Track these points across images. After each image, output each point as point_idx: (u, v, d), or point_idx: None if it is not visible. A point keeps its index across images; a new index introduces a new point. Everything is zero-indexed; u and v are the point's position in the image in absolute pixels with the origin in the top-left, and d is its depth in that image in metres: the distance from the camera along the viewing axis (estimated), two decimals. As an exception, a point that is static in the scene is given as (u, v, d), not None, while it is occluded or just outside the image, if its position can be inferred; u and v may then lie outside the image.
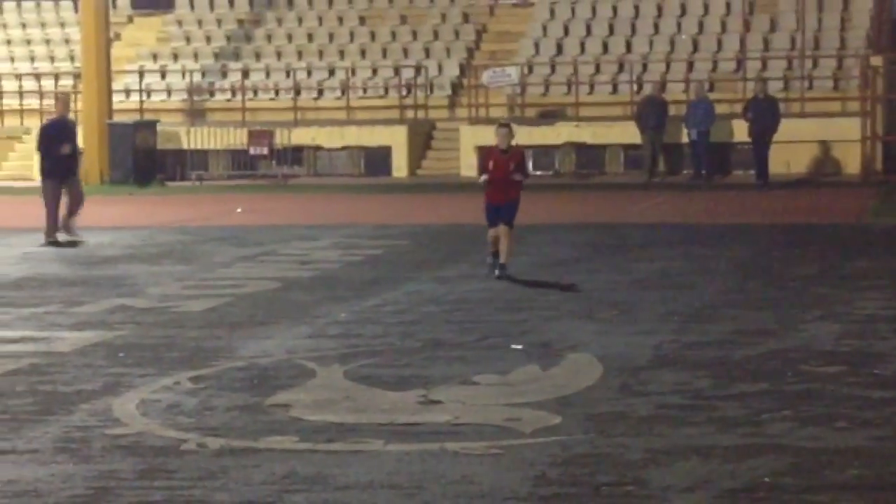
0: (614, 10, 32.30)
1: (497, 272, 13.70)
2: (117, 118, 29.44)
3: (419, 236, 18.38)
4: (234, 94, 31.90)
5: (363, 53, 32.76)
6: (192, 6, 35.36)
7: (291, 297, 13.10)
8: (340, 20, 34.05)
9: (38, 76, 32.92)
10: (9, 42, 35.37)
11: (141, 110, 31.04)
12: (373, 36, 33.27)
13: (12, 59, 34.71)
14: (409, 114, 30.74)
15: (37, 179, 30.00)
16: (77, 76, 31.58)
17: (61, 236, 17.85)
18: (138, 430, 7.85)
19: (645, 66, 30.34)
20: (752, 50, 30.25)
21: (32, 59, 34.65)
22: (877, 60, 28.23)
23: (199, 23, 34.81)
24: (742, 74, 29.22)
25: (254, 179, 29.08)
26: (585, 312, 11.88)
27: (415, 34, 33.13)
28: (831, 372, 9.18)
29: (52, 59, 34.65)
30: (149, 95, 31.95)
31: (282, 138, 29.27)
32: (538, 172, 28.37)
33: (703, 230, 18.60)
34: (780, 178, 26.57)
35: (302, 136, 29.71)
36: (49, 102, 32.50)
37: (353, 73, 31.73)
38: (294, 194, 26.39)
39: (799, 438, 7.40)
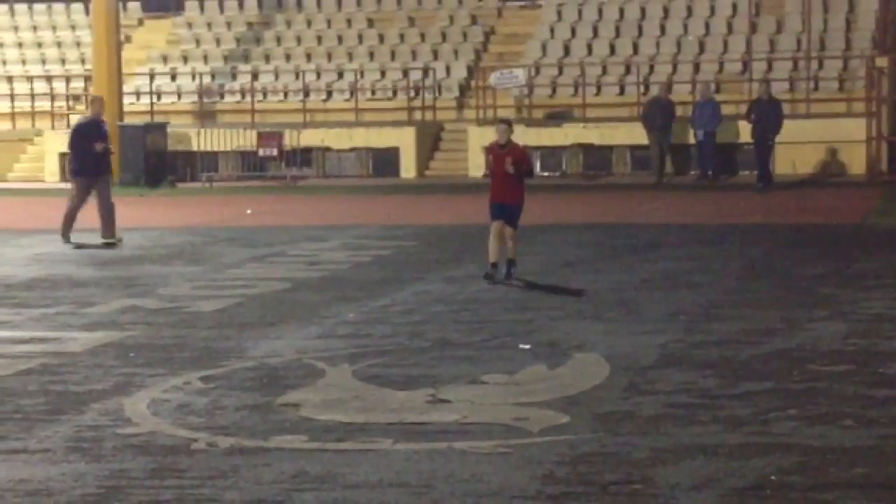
0: (621, 11, 32.33)
1: (506, 270, 13.57)
2: (128, 120, 29.53)
3: (427, 237, 18.39)
4: (243, 95, 31.99)
5: (372, 55, 32.81)
6: (201, 9, 35.45)
7: (301, 297, 13.12)
8: (349, 22, 34.10)
9: (49, 78, 33.04)
10: (20, 45, 35.51)
11: (151, 112, 31.14)
12: (381, 38, 33.32)
13: (24, 62, 34.85)
14: (418, 115, 30.78)
15: (49, 181, 30.29)
16: (88, 78, 31.69)
17: (74, 238, 17.88)
18: (149, 429, 7.87)
19: (651, 68, 30.37)
20: (758, 51, 30.26)
21: (44, 62, 34.78)
22: (882, 61, 28.22)
23: (209, 25, 34.90)
24: (748, 76, 29.24)
25: (263, 181, 29.12)
26: (592, 312, 11.89)
27: (423, 36, 33.18)
28: (837, 371, 9.19)
29: (64, 61, 34.77)
30: (159, 97, 32.04)
31: (291, 140, 29.32)
32: (545, 173, 28.43)
33: (709, 230, 18.59)
34: (785, 178, 26.57)
35: (311, 138, 29.76)
36: (59, 104, 32.68)
37: (362, 74, 31.79)
38: (303, 195, 26.42)
39: (805, 437, 7.42)
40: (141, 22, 35.77)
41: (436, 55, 32.46)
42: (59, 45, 35.44)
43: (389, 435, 7.62)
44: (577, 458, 7.07)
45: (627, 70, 30.42)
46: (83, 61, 33.86)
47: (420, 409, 8.27)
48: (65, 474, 6.92)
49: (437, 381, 9.02)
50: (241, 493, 6.53)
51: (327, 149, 29.98)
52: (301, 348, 10.36)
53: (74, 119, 32.52)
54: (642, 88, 29.38)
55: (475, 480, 6.69)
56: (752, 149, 26.72)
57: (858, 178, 26.36)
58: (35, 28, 36.21)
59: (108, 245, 17.60)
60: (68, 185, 18.96)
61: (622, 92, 30.18)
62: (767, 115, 25.19)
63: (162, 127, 29.33)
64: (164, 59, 33.76)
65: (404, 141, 29.65)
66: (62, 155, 30.60)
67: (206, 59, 33.53)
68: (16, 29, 36.21)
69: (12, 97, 32.49)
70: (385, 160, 29.69)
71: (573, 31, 32.15)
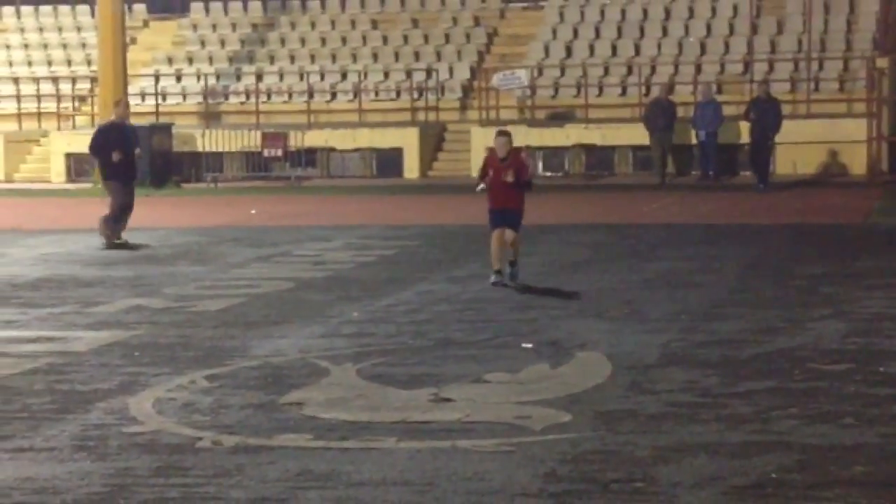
0: (623, 13, 32.38)
1: (510, 271, 13.44)
2: (133, 121, 29.56)
3: (431, 237, 18.42)
4: (247, 97, 32.06)
5: (375, 57, 32.86)
6: (206, 10, 35.53)
7: (305, 296, 13.13)
8: (353, 24, 34.16)
9: (55, 80, 33.12)
10: (27, 46, 35.60)
11: (157, 113, 31.22)
12: (385, 39, 33.38)
13: (30, 63, 34.95)
14: (421, 116, 30.83)
15: (55, 182, 30.37)
16: (94, 80, 31.75)
17: (105, 238, 17.71)
18: (154, 428, 7.88)
19: (653, 69, 30.41)
20: (759, 52, 30.32)
21: (50, 63, 34.88)
22: (882, 62, 28.28)
23: (214, 27, 34.98)
24: (749, 76, 29.28)
25: (268, 181, 29.18)
26: (594, 311, 11.90)
27: (426, 38, 33.23)
28: (838, 370, 9.19)
29: (70, 62, 34.86)
30: (164, 99, 32.12)
31: (295, 140, 29.38)
32: (548, 174, 28.49)
33: (711, 230, 18.62)
34: (786, 178, 26.62)
35: (315, 139, 29.81)
36: (65, 106, 32.76)
37: (366, 76, 31.84)
38: (307, 196, 26.45)
39: (806, 435, 7.42)
40: (146, 23, 35.85)
41: (439, 56, 32.50)
42: (64, 46, 35.52)
43: (393, 433, 7.63)
44: (580, 456, 7.07)
45: (629, 71, 30.46)
46: (89, 63, 33.94)
47: (423, 408, 8.27)
48: (71, 473, 6.93)
49: (440, 380, 9.03)
50: (245, 492, 6.54)
51: (331, 149, 30.04)
52: (305, 347, 10.38)
53: (80, 120, 32.71)
54: (644, 89, 29.42)
55: (478, 479, 6.70)
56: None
57: (859, 179, 26.40)
58: (41, 29, 36.31)
59: (110, 246, 17.50)
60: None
61: (624, 93, 30.24)
62: (766, 115, 25.19)
63: (167, 128, 29.39)
64: (170, 60, 33.84)
65: (408, 141, 29.70)
66: (68, 156, 30.74)
67: (210, 60, 33.60)
68: (22, 30, 36.31)
69: (18, 98, 32.59)
70: (389, 161, 29.75)
71: (575, 33, 32.20)
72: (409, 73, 31.58)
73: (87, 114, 32.92)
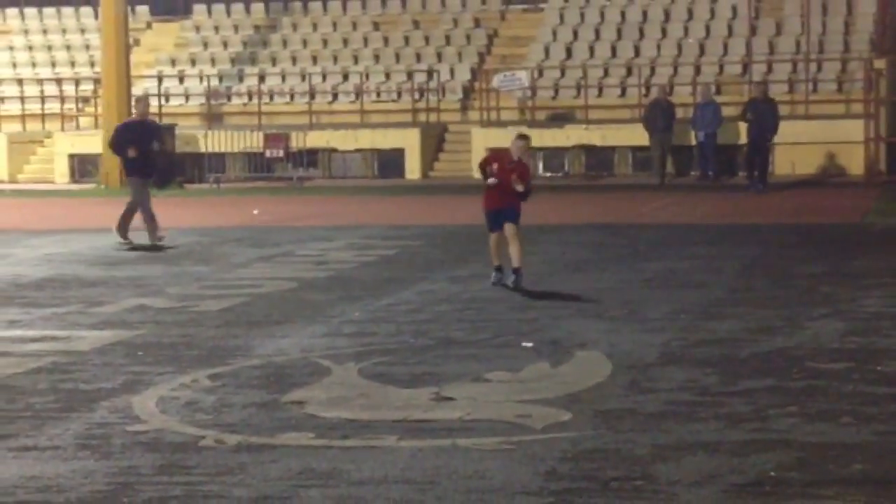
0: (622, 14, 32.44)
1: (513, 278, 13.20)
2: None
3: (432, 237, 18.45)
4: (250, 98, 32.11)
5: (377, 58, 32.92)
6: (209, 12, 35.61)
7: (307, 296, 13.16)
8: (354, 25, 34.22)
9: (58, 81, 33.21)
10: (30, 48, 35.69)
11: (160, 114, 31.26)
12: (386, 41, 33.44)
13: (34, 65, 35.04)
14: (422, 117, 30.88)
15: (59, 182, 30.45)
16: (97, 81, 31.84)
17: (121, 236, 17.77)
18: (157, 426, 7.89)
19: (653, 70, 30.46)
20: (758, 53, 30.38)
21: (53, 65, 34.96)
22: (880, 63, 28.35)
23: (216, 29, 35.05)
24: (748, 77, 29.34)
25: (270, 181, 29.23)
26: (594, 311, 11.91)
27: (427, 39, 33.29)
28: (836, 368, 9.20)
29: (73, 64, 34.95)
30: (167, 100, 32.19)
31: (297, 141, 29.44)
32: (548, 174, 28.54)
33: (710, 230, 18.64)
34: (785, 179, 26.66)
35: (317, 139, 29.87)
36: (69, 107, 32.84)
37: (367, 77, 31.90)
38: (309, 196, 26.49)
39: (804, 434, 7.44)
40: (149, 25, 35.93)
41: (440, 57, 32.56)
42: (68, 48, 35.61)
43: (394, 432, 7.64)
44: (580, 454, 7.09)
45: (629, 72, 30.52)
46: (92, 64, 34.02)
47: (424, 407, 8.28)
48: (75, 471, 6.95)
49: (441, 379, 9.04)
50: (248, 490, 6.55)
51: (333, 150, 30.10)
52: (307, 347, 10.39)
53: (83, 121, 32.80)
54: (643, 90, 29.48)
55: (479, 477, 6.71)
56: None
57: (857, 179, 26.44)
58: (45, 31, 36.40)
59: (157, 245, 17.50)
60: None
61: (624, 94, 30.30)
62: (764, 116, 25.17)
63: (170, 129, 29.44)
64: (173, 61, 33.91)
65: (409, 142, 29.75)
66: (71, 156, 30.83)
67: (213, 61, 33.67)
68: (26, 32, 36.40)
69: (22, 99, 32.68)
70: (390, 161, 29.81)
71: (575, 34, 32.25)
72: (410, 75, 31.63)
73: (90, 115, 33.01)
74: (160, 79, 32.55)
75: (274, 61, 33.49)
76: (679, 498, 6.31)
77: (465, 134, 29.92)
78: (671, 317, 11.52)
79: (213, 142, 29.70)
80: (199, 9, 35.84)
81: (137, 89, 31.55)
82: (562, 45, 31.91)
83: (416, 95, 31.14)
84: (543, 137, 28.89)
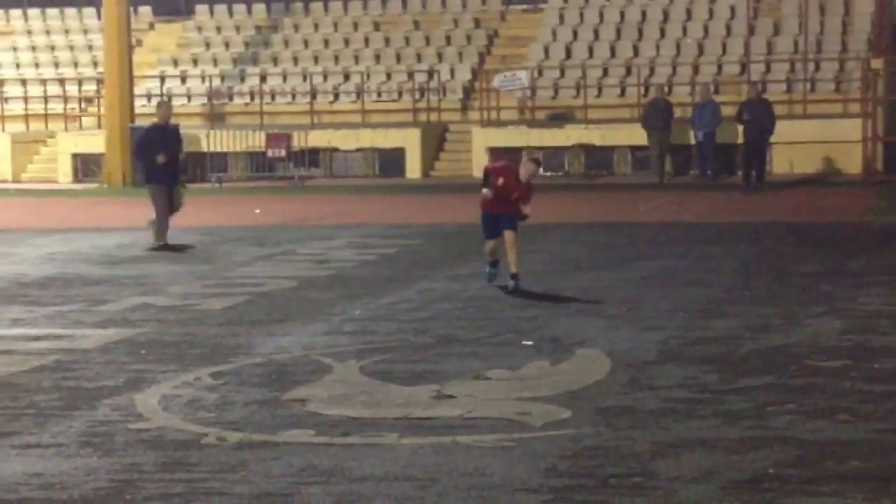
0: (622, 15, 32.48)
1: (512, 284, 12.99)
2: (139, 122, 29.69)
3: (432, 236, 18.47)
4: (252, 98, 32.16)
5: (377, 58, 32.95)
6: (211, 13, 35.66)
7: (308, 295, 13.18)
8: (355, 26, 34.26)
9: (62, 81, 33.26)
10: (34, 48, 35.75)
11: (163, 114, 31.31)
12: (387, 41, 33.47)
13: (37, 65, 35.10)
14: (423, 117, 30.92)
15: (62, 182, 30.50)
16: (100, 81, 31.90)
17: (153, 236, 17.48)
18: (160, 424, 7.93)
19: (652, 70, 30.50)
20: (756, 53, 30.41)
21: (57, 65, 35.02)
22: (877, 63, 28.40)
23: (218, 29, 35.10)
24: (746, 77, 29.36)
25: (272, 181, 29.27)
26: (594, 309, 11.94)
27: (428, 39, 33.32)
28: (834, 366, 9.23)
29: (76, 64, 35.00)
30: (170, 100, 32.20)
31: (298, 141, 29.47)
32: (548, 174, 28.57)
33: (708, 229, 18.66)
34: (783, 178, 26.68)
35: (318, 139, 29.91)
36: (72, 107, 32.90)
37: (368, 77, 31.93)
38: (310, 195, 26.50)
39: (802, 431, 7.47)
40: (151, 26, 35.99)
41: (440, 58, 32.60)
42: (71, 48, 35.67)
43: (395, 429, 7.67)
44: (579, 451, 7.12)
45: (628, 72, 30.56)
46: (95, 64, 34.08)
47: (425, 404, 8.32)
48: (77, 468, 6.99)
49: (441, 377, 9.08)
50: (250, 487, 6.59)
51: (334, 149, 30.14)
52: (309, 345, 10.43)
53: (86, 121, 32.86)
54: (643, 90, 29.51)
55: (479, 474, 6.75)
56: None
57: (854, 178, 26.44)
58: (48, 32, 36.46)
59: (161, 247, 17.21)
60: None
61: (623, 93, 30.34)
62: (761, 116, 25.13)
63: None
64: (175, 62, 33.97)
65: (410, 142, 29.79)
66: (74, 156, 30.90)
67: (215, 62, 33.72)
68: (29, 33, 36.47)
69: (26, 99, 32.74)
70: (391, 160, 29.84)
71: (575, 34, 32.29)
72: (410, 75, 31.68)
73: (93, 115, 33.07)
74: (163, 79, 32.62)
75: (276, 61, 33.52)
76: (678, 494, 6.34)
77: (465, 134, 29.95)
78: (670, 315, 11.55)
79: (215, 141, 29.75)
80: (201, 9, 35.89)
81: (140, 89, 31.65)
82: (561, 45, 31.95)
83: (417, 95, 31.18)
84: (543, 137, 28.96)
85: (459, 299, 12.69)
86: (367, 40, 33.63)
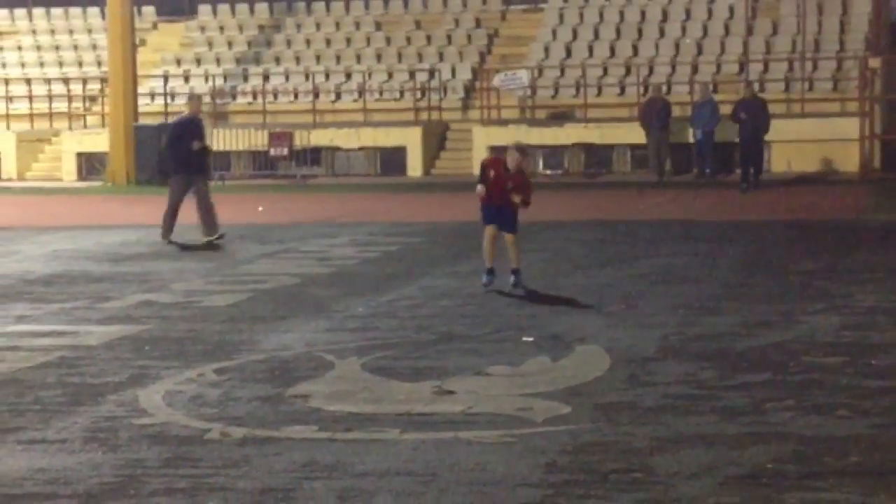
0: (621, 14, 32.52)
1: (512, 279, 12.94)
2: (143, 121, 29.82)
3: (433, 233, 18.49)
4: (254, 97, 32.21)
5: (379, 58, 32.99)
6: (214, 13, 35.72)
7: (311, 292, 13.21)
8: (357, 25, 34.30)
9: (66, 80, 33.33)
10: (38, 48, 35.82)
11: (165, 113, 31.36)
12: (388, 41, 33.51)
13: (42, 65, 35.18)
14: (424, 115, 30.96)
15: (66, 180, 30.54)
16: (104, 80, 31.95)
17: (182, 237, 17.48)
18: (164, 420, 7.96)
19: (651, 69, 30.54)
20: (755, 52, 30.46)
21: (61, 65, 35.09)
22: (875, 62, 28.45)
23: (221, 29, 35.15)
24: (745, 76, 29.39)
25: (274, 179, 29.31)
26: (594, 306, 11.96)
27: (429, 39, 33.36)
28: (832, 362, 9.26)
29: (80, 64, 35.07)
30: (173, 99, 32.28)
31: (301, 139, 29.52)
32: (548, 172, 28.64)
33: (707, 227, 18.68)
34: (781, 176, 26.69)
35: (320, 138, 29.95)
36: (76, 106, 32.97)
37: (370, 76, 31.97)
38: (313, 193, 26.53)
39: (801, 427, 7.50)
40: (155, 25, 36.06)
41: (441, 57, 32.63)
42: (75, 48, 35.73)
43: (397, 425, 7.70)
44: (579, 447, 7.15)
45: (627, 71, 30.60)
46: (99, 64, 34.15)
47: (426, 400, 8.34)
48: (82, 463, 7.02)
49: (442, 373, 9.10)
50: (253, 482, 6.61)
51: (336, 148, 30.18)
52: (311, 341, 10.46)
53: (91, 120, 32.93)
54: (642, 89, 29.55)
55: (480, 469, 6.77)
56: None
57: (852, 176, 26.46)
58: (53, 32, 36.54)
59: (211, 243, 17.20)
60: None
61: (622, 92, 30.37)
62: (757, 115, 25.10)
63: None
64: (178, 61, 34.03)
65: (411, 140, 29.83)
66: (79, 155, 30.95)
67: (218, 61, 33.77)
68: (34, 32, 36.55)
69: (31, 98, 32.80)
70: (392, 159, 29.89)
71: (574, 34, 32.33)
72: (412, 74, 31.72)
73: (97, 114, 33.13)
74: (166, 78, 32.66)
75: (278, 61, 33.57)
76: (677, 490, 6.36)
77: (466, 132, 29.99)
78: (669, 312, 11.56)
79: (219, 140, 29.76)
80: (204, 9, 35.94)
81: (144, 88, 31.73)
82: (561, 44, 31.99)
83: (418, 94, 31.22)
84: (543, 136, 28.99)
85: (460, 296, 12.71)
86: (368, 40, 33.66)
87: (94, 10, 36.42)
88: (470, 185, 14.38)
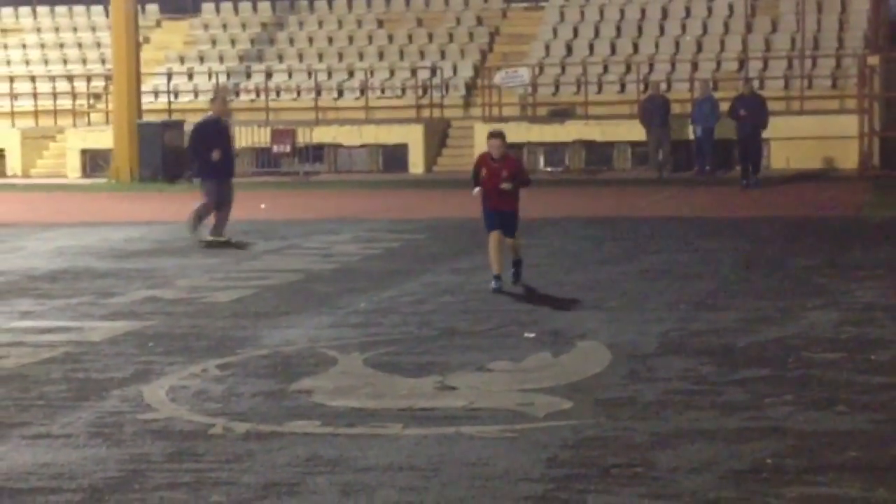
0: (622, 12, 32.55)
1: (512, 271, 12.98)
2: (147, 118, 29.86)
3: (435, 230, 18.51)
4: (257, 94, 32.25)
5: (381, 55, 33.03)
6: (217, 11, 35.76)
7: (314, 288, 13.25)
8: (359, 23, 34.33)
9: (70, 78, 33.38)
10: (43, 46, 35.87)
11: (169, 110, 31.44)
12: (390, 38, 33.54)
13: (46, 62, 35.23)
14: (426, 113, 30.99)
15: (71, 177, 30.60)
16: (108, 78, 32.01)
17: (205, 233, 17.17)
18: (168, 415, 7.99)
19: (651, 67, 30.57)
20: (754, 50, 30.48)
21: (65, 62, 35.14)
22: (874, 60, 28.44)
23: (224, 27, 35.18)
24: (744, 74, 29.41)
25: (277, 176, 29.34)
26: (595, 302, 11.99)
27: (430, 37, 33.39)
28: (831, 358, 9.29)
29: (84, 61, 35.13)
30: (176, 96, 32.35)
31: (303, 137, 29.56)
32: (549, 169, 28.67)
33: (707, 223, 18.72)
34: (780, 173, 26.71)
35: (323, 135, 30.00)
36: (80, 103, 33.03)
37: (372, 74, 32.01)
38: (315, 190, 26.54)
39: (800, 422, 7.52)
40: (159, 23, 36.11)
41: (443, 55, 32.67)
42: (79, 45, 35.79)
43: (399, 420, 7.73)
44: (581, 442, 7.17)
45: (628, 69, 30.64)
46: (103, 61, 34.21)
47: (429, 396, 8.37)
48: (87, 458, 7.05)
49: (445, 369, 9.13)
50: (256, 477, 6.64)
51: (339, 145, 30.22)
52: (314, 337, 10.49)
53: (95, 117, 32.97)
54: (642, 87, 29.58)
55: (482, 464, 6.80)
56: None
57: (851, 173, 26.47)
58: (57, 29, 36.58)
59: (211, 244, 16.89)
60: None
61: (623, 90, 30.40)
62: (756, 111, 25.11)
63: (179, 125, 29.53)
64: (182, 59, 34.07)
65: (413, 137, 29.86)
66: (83, 152, 31.02)
67: (221, 59, 33.82)
68: (38, 30, 36.61)
69: (35, 96, 32.85)
70: (394, 156, 29.92)
71: (575, 32, 32.36)
72: (413, 71, 31.75)
73: (101, 111, 33.18)
74: (169, 76, 32.70)
75: (281, 58, 33.61)
76: (677, 484, 6.39)
77: (467, 129, 30.01)
78: (669, 308, 11.59)
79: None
80: (207, 7, 35.98)
81: (147, 86, 31.78)
82: (562, 42, 32.02)
83: (420, 92, 31.25)
84: (544, 133, 29.05)
85: (462, 292, 12.74)
86: (370, 38, 33.69)
87: (97, 8, 36.46)
88: (471, 183, 14.31)
